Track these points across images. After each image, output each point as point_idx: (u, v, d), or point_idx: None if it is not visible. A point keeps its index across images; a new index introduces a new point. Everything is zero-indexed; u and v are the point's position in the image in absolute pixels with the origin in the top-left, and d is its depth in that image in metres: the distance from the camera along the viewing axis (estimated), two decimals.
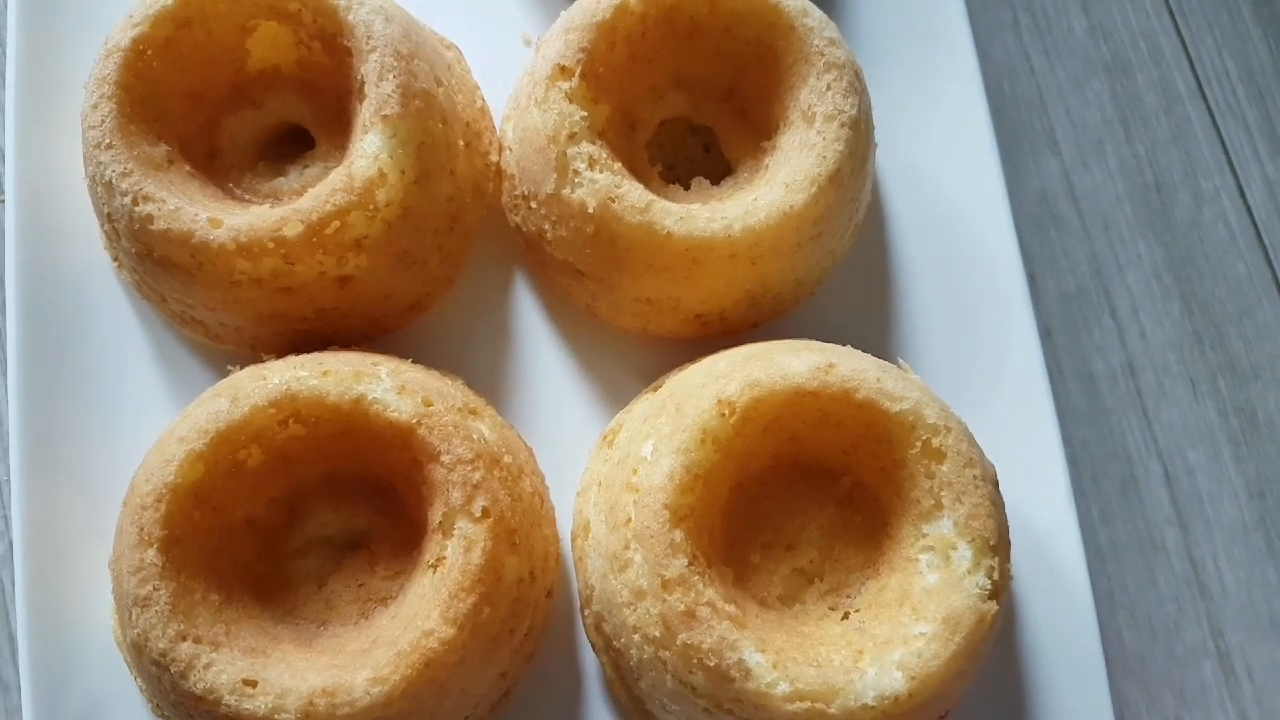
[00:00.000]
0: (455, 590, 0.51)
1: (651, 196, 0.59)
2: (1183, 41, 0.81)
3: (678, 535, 0.52)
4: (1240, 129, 0.79)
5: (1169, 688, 0.68)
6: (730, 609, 0.51)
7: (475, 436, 0.54)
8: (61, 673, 0.60)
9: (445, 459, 0.53)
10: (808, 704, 0.49)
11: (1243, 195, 0.78)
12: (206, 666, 0.50)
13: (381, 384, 0.54)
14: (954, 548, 0.52)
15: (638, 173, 0.63)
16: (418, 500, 0.55)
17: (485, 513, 0.53)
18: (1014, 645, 0.62)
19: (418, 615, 0.51)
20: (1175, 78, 0.80)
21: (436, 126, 0.60)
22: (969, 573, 0.51)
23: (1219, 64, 0.81)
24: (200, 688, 0.50)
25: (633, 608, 0.53)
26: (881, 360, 0.57)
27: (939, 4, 0.72)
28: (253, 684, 0.50)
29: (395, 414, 0.53)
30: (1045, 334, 0.69)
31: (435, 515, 0.53)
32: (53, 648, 0.60)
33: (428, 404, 0.54)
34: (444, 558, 0.52)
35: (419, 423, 0.53)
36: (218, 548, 0.54)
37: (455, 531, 0.52)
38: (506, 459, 0.56)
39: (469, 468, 0.53)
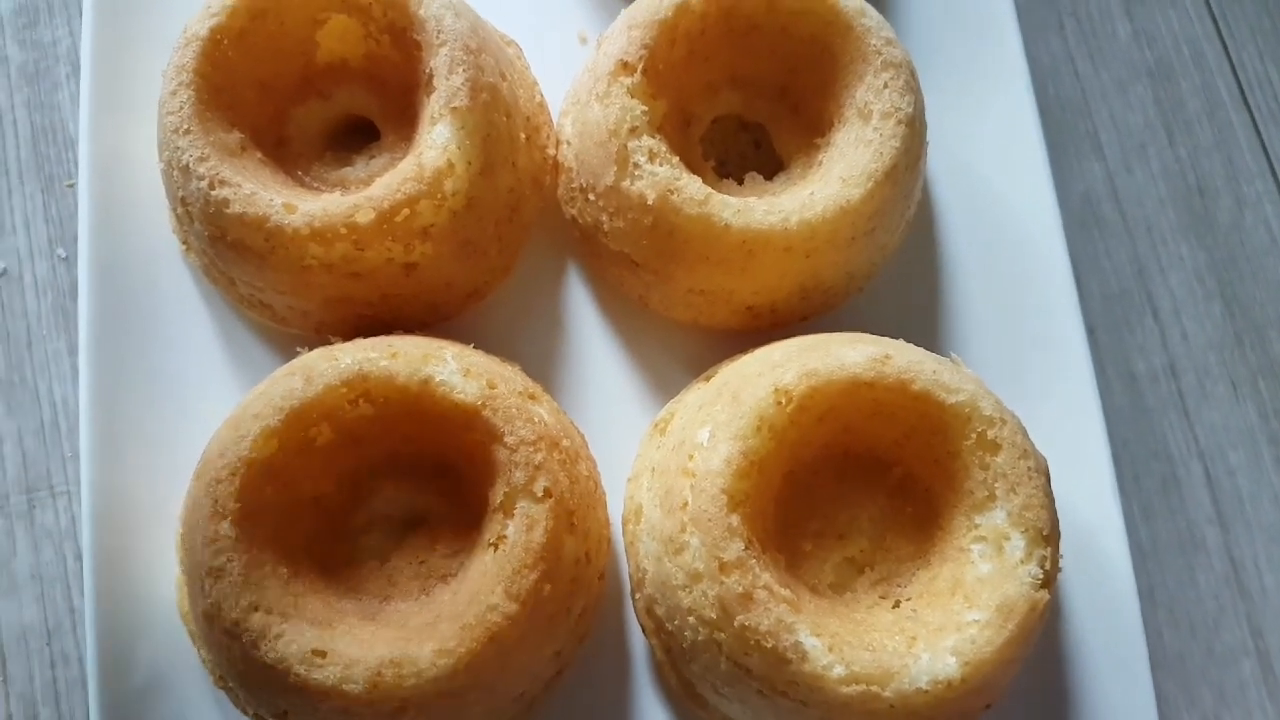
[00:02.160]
0: (518, 567, 0.52)
1: (709, 189, 0.60)
2: (1225, 48, 0.82)
3: (735, 519, 0.53)
4: None
5: (1208, 686, 0.69)
6: (786, 593, 0.52)
7: (536, 419, 0.56)
8: (126, 645, 0.61)
9: (508, 440, 0.54)
10: (863, 687, 0.50)
11: None
12: (277, 637, 0.51)
13: (448, 366, 0.56)
14: (1007, 538, 0.53)
15: (692, 167, 0.64)
16: (479, 480, 0.56)
17: (547, 493, 0.54)
18: (1058, 639, 0.63)
19: (481, 591, 0.53)
20: (1218, 83, 0.81)
21: (501, 119, 0.61)
22: (1022, 562, 0.52)
23: (1261, 71, 0.81)
24: (271, 657, 0.51)
25: (688, 590, 0.54)
26: (935, 354, 0.58)
27: (988, 7, 0.73)
28: (322, 654, 0.51)
29: (461, 395, 0.55)
30: (1088, 334, 0.70)
31: (497, 495, 0.55)
32: (118, 621, 0.62)
33: (491, 387, 0.56)
34: (505, 536, 0.53)
35: (484, 404, 0.55)
36: (287, 523, 0.55)
37: (517, 510, 0.54)
38: (565, 442, 0.57)
39: (531, 449, 0.55)
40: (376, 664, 0.51)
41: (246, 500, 0.53)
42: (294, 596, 0.53)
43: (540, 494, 0.54)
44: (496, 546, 0.54)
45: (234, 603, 0.52)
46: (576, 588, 0.57)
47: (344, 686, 0.51)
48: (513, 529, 0.54)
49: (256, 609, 0.52)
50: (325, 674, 0.51)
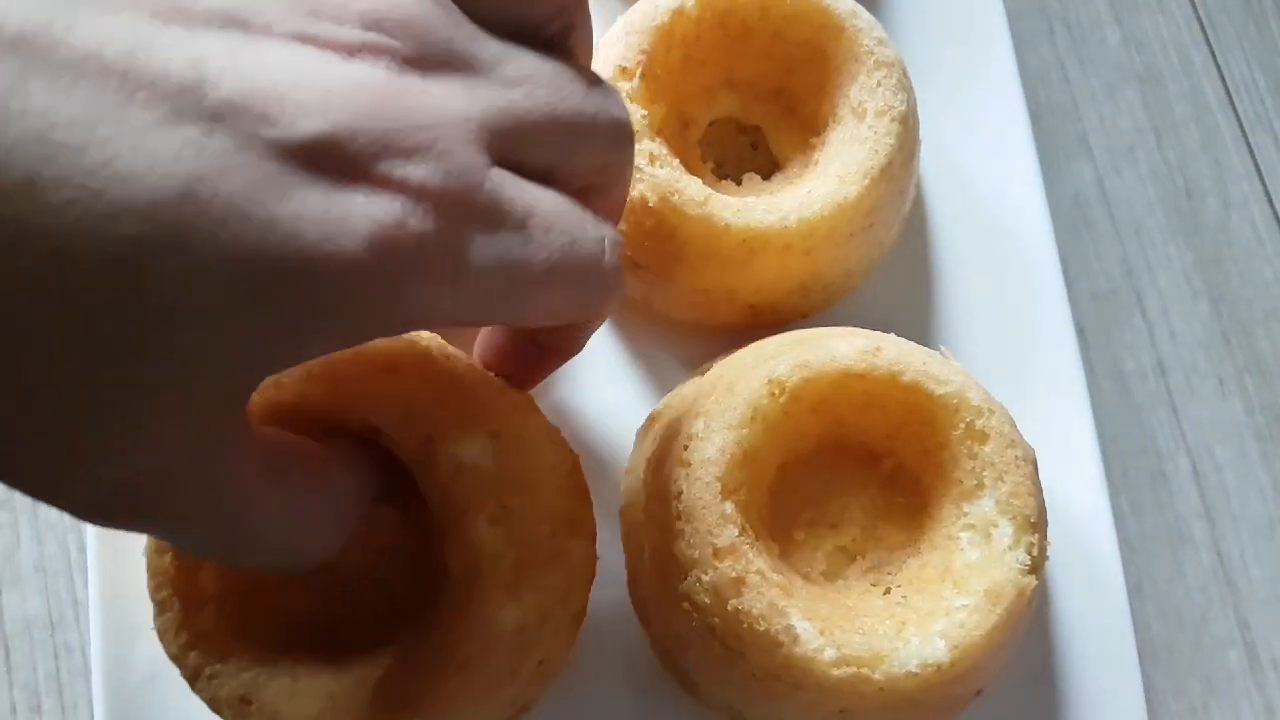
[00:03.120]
0: (442, 651, 0.50)
1: (709, 191, 0.61)
2: (1213, 53, 0.84)
3: (728, 507, 0.54)
4: (1268, 138, 0.82)
5: (1196, 676, 0.70)
6: (779, 578, 0.53)
7: (469, 467, 0.51)
8: (128, 637, 0.62)
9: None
10: (853, 669, 0.51)
11: (1270, 202, 0.80)
12: (210, 678, 0.51)
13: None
14: (995, 525, 0.54)
15: (691, 170, 0.66)
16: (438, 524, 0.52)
17: (494, 521, 0.50)
18: (1048, 631, 0.64)
19: (411, 669, 0.50)
20: (1205, 88, 0.83)
21: None
22: (1010, 548, 0.54)
23: (1248, 75, 0.83)
24: (204, 696, 0.51)
25: (682, 578, 0.55)
26: (925, 347, 0.60)
27: (979, 15, 0.75)
28: (249, 702, 0.50)
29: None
30: (1078, 332, 0.71)
31: (452, 535, 0.51)
32: (120, 613, 0.62)
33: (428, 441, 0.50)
34: (441, 615, 0.51)
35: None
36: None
37: (448, 592, 0.51)
38: (515, 499, 0.52)
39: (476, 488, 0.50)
40: None
41: None
42: (239, 629, 0.52)
43: (492, 522, 0.51)
44: (435, 626, 0.51)
45: (172, 638, 0.51)
46: (524, 651, 0.53)
47: None
48: (447, 608, 0.51)
49: (194, 648, 0.51)
50: None
